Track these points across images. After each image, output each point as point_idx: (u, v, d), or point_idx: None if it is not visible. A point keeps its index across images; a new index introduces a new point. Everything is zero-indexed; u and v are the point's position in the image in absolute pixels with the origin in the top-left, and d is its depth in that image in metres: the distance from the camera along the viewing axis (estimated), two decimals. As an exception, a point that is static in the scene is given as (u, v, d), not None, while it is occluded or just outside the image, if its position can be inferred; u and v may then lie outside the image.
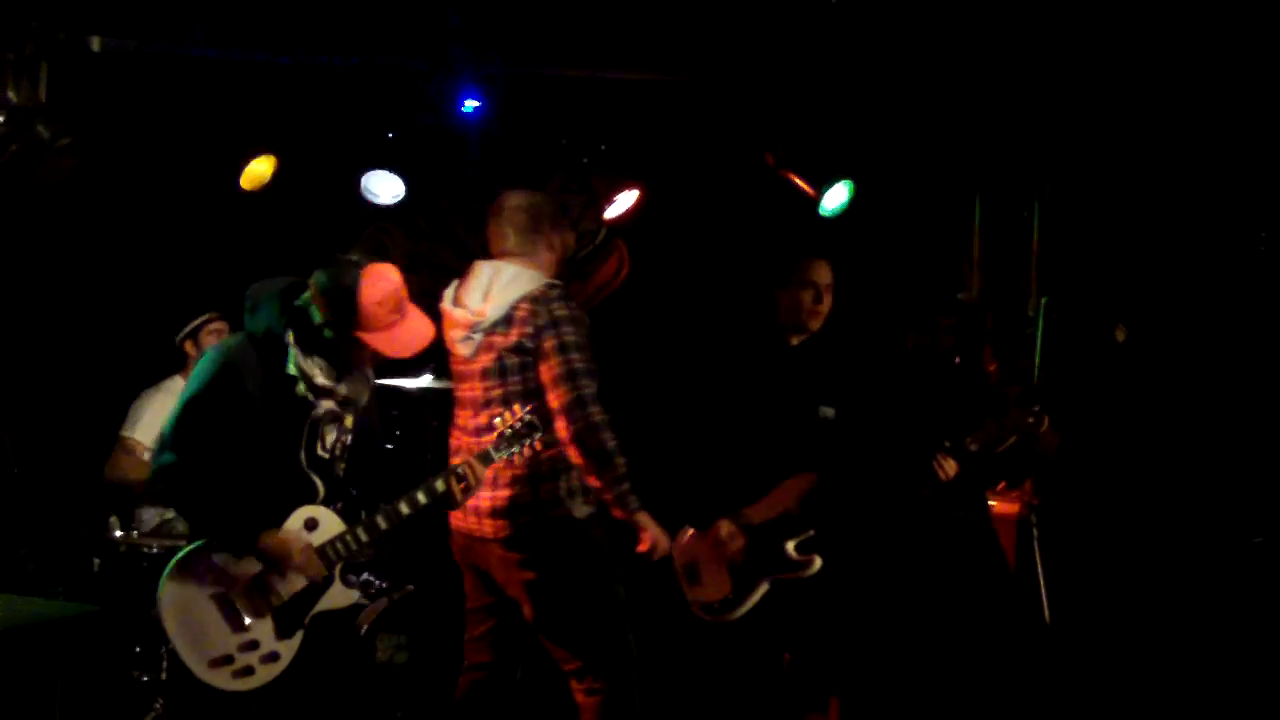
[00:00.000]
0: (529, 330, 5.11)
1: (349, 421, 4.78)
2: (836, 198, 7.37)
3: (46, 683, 4.61)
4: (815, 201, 7.39)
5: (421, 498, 4.80)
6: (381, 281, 4.64)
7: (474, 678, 5.41)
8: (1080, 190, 7.83)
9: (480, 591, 5.39)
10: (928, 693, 6.05)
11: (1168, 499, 6.75)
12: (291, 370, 4.58)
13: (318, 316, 4.61)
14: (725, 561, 5.78)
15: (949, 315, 6.35)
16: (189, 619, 4.44)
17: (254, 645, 4.50)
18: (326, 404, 4.65)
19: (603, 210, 7.65)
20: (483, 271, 5.34)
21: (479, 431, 5.17)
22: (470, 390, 5.27)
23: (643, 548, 5.16)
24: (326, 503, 4.70)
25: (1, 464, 6.94)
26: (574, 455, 5.04)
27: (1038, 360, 7.56)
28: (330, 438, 4.73)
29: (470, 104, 7.53)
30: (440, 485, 4.82)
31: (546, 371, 5.09)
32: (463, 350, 5.24)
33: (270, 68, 7.48)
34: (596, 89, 7.64)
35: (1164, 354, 7.06)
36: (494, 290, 5.21)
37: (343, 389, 4.66)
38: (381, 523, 4.75)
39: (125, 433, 6.79)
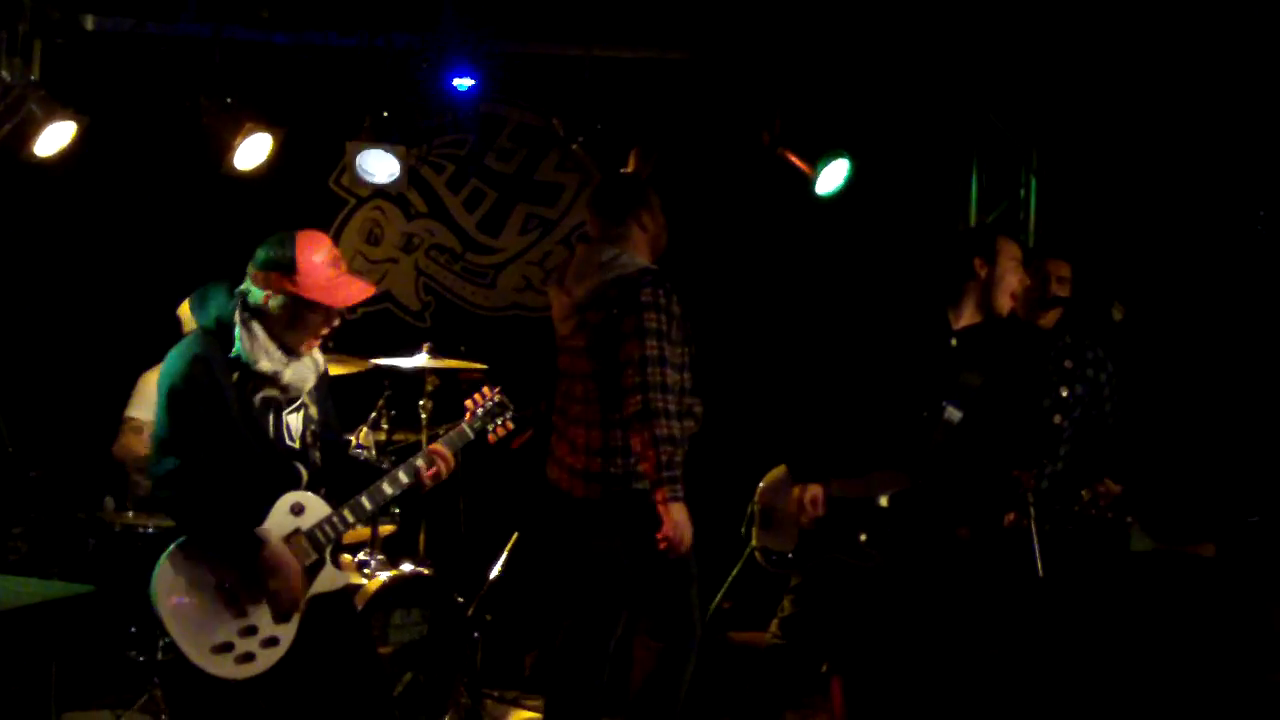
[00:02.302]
0: (615, 311, 5.37)
1: (313, 411, 4.78)
2: (834, 177, 7.35)
3: (42, 664, 4.59)
4: (811, 180, 7.37)
5: (404, 478, 4.83)
6: (317, 240, 4.67)
7: None
8: (1077, 167, 7.80)
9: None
10: (934, 677, 6.04)
11: (1165, 476, 6.73)
12: (234, 353, 4.56)
13: (259, 295, 4.60)
14: (802, 522, 5.80)
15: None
16: (186, 609, 4.42)
17: (253, 630, 4.48)
18: (268, 390, 4.63)
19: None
20: (581, 253, 5.64)
21: (572, 400, 5.50)
22: (568, 365, 5.58)
23: (660, 536, 5.25)
24: (310, 488, 4.69)
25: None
26: (637, 431, 5.28)
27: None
28: (297, 427, 4.73)
29: (463, 81, 7.48)
30: (420, 463, 4.85)
31: (623, 353, 5.34)
32: (563, 328, 5.57)
33: (264, 46, 7.46)
34: (592, 67, 7.62)
35: (1161, 332, 7.04)
36: (590, 271, 5.49)
37: (286, 374, 4.64)
38: (367, 504, 4.76)
39: (130, 413, 6.78)
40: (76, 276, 7.77)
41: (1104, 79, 7.39)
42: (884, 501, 5.68)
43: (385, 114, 7.37)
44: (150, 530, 6.30)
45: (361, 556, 6.50)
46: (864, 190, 7.59)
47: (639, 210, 5.67)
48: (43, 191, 7.40)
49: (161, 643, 6.14)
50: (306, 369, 4.71)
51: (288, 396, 4.67)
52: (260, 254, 4.64)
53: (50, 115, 6.46)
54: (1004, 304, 5.71)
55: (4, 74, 6.29)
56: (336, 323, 4.74)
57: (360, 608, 6.15)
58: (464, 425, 5.07)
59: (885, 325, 6.14)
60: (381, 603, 6.28)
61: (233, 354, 4.55)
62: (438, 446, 4.94)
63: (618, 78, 7.80)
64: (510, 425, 5.10)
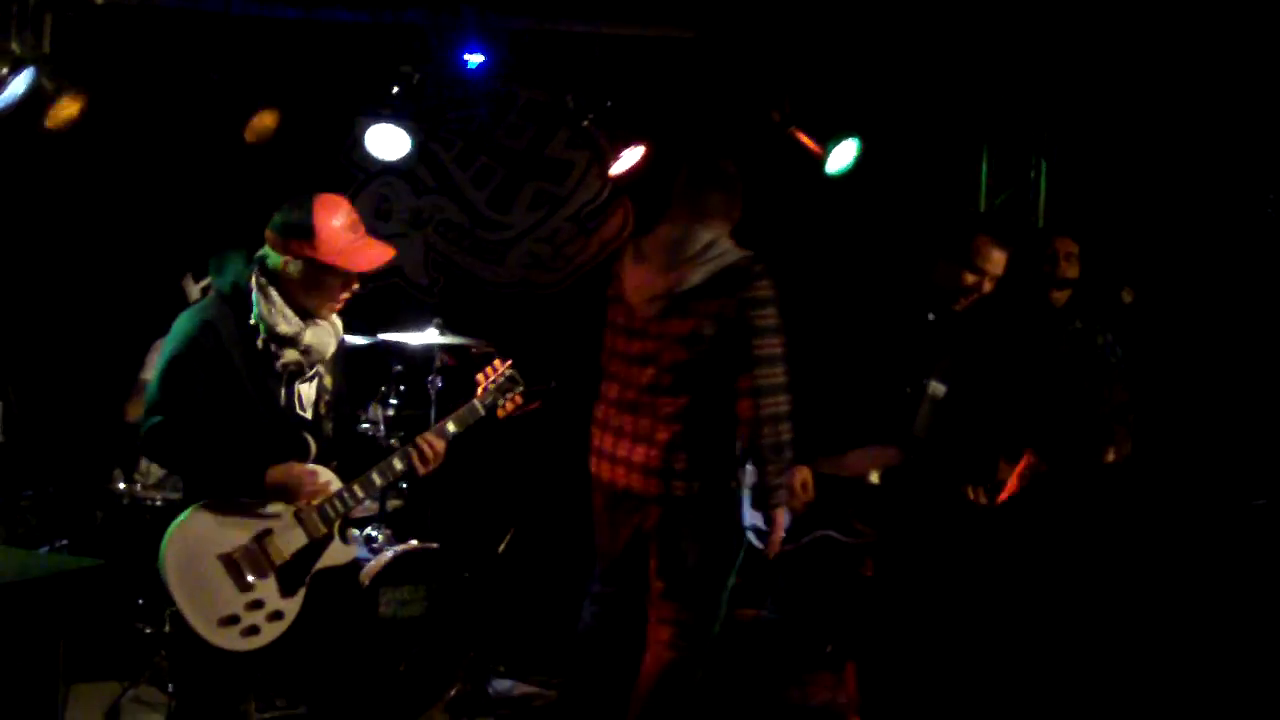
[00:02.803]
0: (732, 303, 5.27)
1: (328, 381, 4.77)
2: (843, 156, 7.34)
3: (50, 637, 4.60)
4: (821, 159, 7.36)
5: (399, 464, 4.83)
6: (336, 205, 4.67)
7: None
8: (1087, 149, 7.79)
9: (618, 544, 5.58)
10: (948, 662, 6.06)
11: (1173, 462, 6.72)
12: (254, 320, 4.56)
13: (278, 260, 4.59)
14: (794, 505, 5.80)
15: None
16: (193, 581, 4.44)
17: (259, 604, 4.50)
18: (290, 354, 4.62)
19: (608, 166, 7.64)
20: (671, 234, 5.47)
21: (636, 387, 5.42)
22: (644, 348, 5.42)
23: (772, 541, 5.42)
24: (320, 461, 4.69)
25: (7, 419, 6.95)
26: (749, 436, 5.29)
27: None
28: (310, 396, 4.72)
29: (474, 58, 7.47)
30: (413, 451, 4.86)
31: (741, 351, 5.28)
32: (649, 309, 5.39)
33: (275, 21, 7.45)
34: (602, 44, 7.61)
35: (1171, 316, 7.03)
36: (690, 254, 5.36)
37: (307, 336, 4.64)
38: (377, 479, 4.76)
39: (146, 375, 6.78)
40: (87, 250, 7.77)
41: (1115, 60, 7.37)
42: (875, 478, 5.72)
43: (395, 89, 7.36)
44: (158, 503, 6.32)
45: (369, 532, 6.52)
46: (873, 171, 7.57)
47: (733, 197, 5.58)
48: (54, 164, 7.39)
49: (168, 615, 6.16)
50: (326, 334, 4.71)
51: (309, 361, 4.65)
52: (278, 218, 4.63)
53: (61, 87, 6.46)
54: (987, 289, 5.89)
55: (14, 47, 6.28)
56: (355, 287, 4.73)
57: (367, 583, 6.18)
58: (475, 401, 5.04)
59: (874, 305, 6.13)
60: (388, 578, 6.30)
61: (251, 319, 4.55)
62: (428, 437, 4.88)
63: (628, 55, 7.80)
64: (520, 400, 5.07)
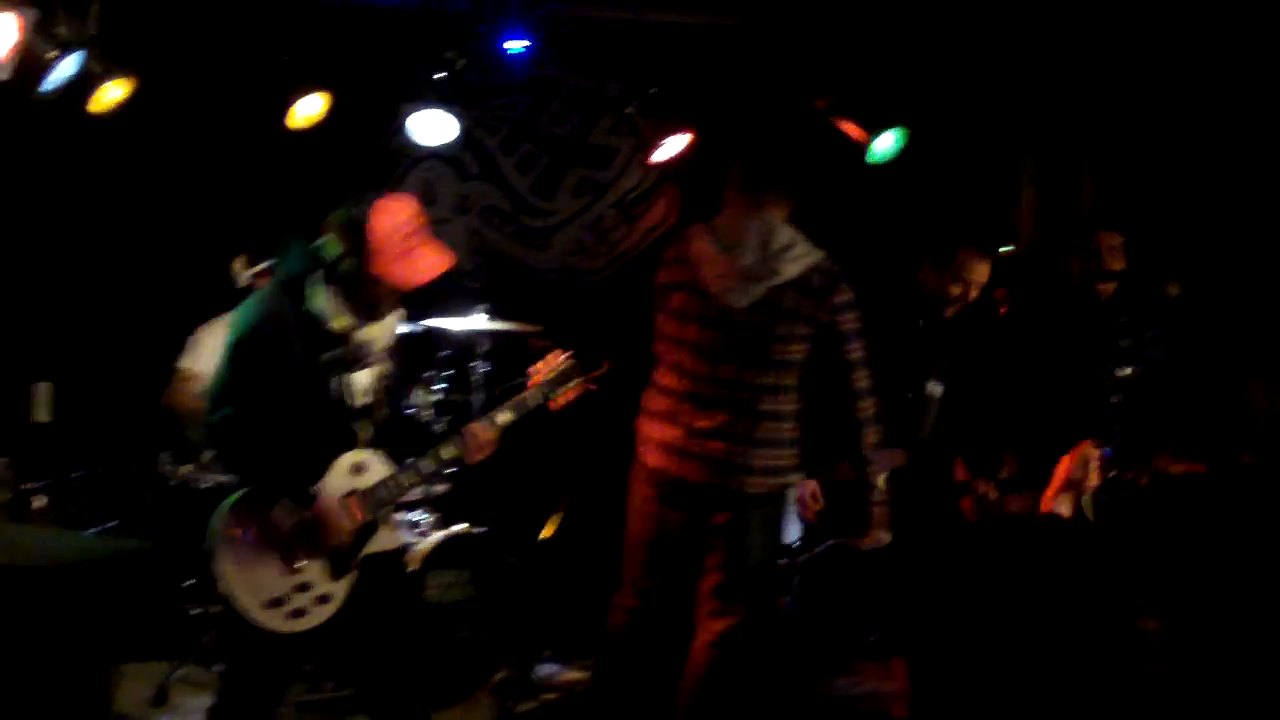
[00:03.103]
0: (825, 305, 5.28)
1: (383, 369, 4.76)
2: (886, 143, 7.32)
3: (102, 618, 4.63)
4: (865, 148, 7.34)
5: (446, 453, 4.77)
6: (392, 212, 4.58)
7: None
8: (1135, 139, 7.74)
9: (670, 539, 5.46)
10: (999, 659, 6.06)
11: (1221, 458, 6.68)
12: (308, 310, 4.55)
13: (334, 254, 4.57)
14: (802, 516, 5.85)
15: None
16: (242, 562, 4.43)
17: (307, 587, 4.49)
18: (343, 347, 4.61)
19: (652, 153, 7.62)
20: (752, 224, 5.35)
21: (726, 384, 5.29)
22: (725, 339, 5.30)
23: (869, 538, 5.51)
24: (369, 448, 4.68)
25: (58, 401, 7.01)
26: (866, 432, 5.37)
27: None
28: (363, 384, 4.70)
29: (518, 44, 7.47)
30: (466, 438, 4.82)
31: (838, 354, 5.33)
32: (736, 300, 5.28)
33: (321, 5, 7.47)
34: (646, 31, 7.59)
35: (1217, 310, 6.98)
36: (778, 248, 5.30)
37: (360, 334, 4.62)
38: (425, 466, 4.74)
39: (183, 364, 6.80)
40: (133, 232, 7.80)
41: (1162, 52, 7.33)
42: (881, 482, 5.67)
43: (439, 75, 7.36)
44: (206, 484, 6.34)
45: (415, 515, 6.53)
46: (916, 164, 7.54)
47: (792, 189, 5.52)
48: (101, 148, 7.42)
49: (216, 595, 6.19)
50: (378, 329, 4.68)
51: (361, 354, 4.64)
52: (341, 214, 4.58)
53: (107, 71, 6.49)
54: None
55: (61, 30, 6.30)
56: (410, 288, 4.70)
57: (414, 567, 6.19)
58: (530, 392, 4.92)
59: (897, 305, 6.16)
60: (435, 562, 6.32)
61: (304, 309, 4.54)
62: (478, 425, 4.80)
63: (672, 42, 7.78)
64: (576, 392, 5.01)
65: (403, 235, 4.57)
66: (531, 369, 4.96)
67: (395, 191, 4.75)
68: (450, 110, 7.39)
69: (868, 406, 5.37)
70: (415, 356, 6.65)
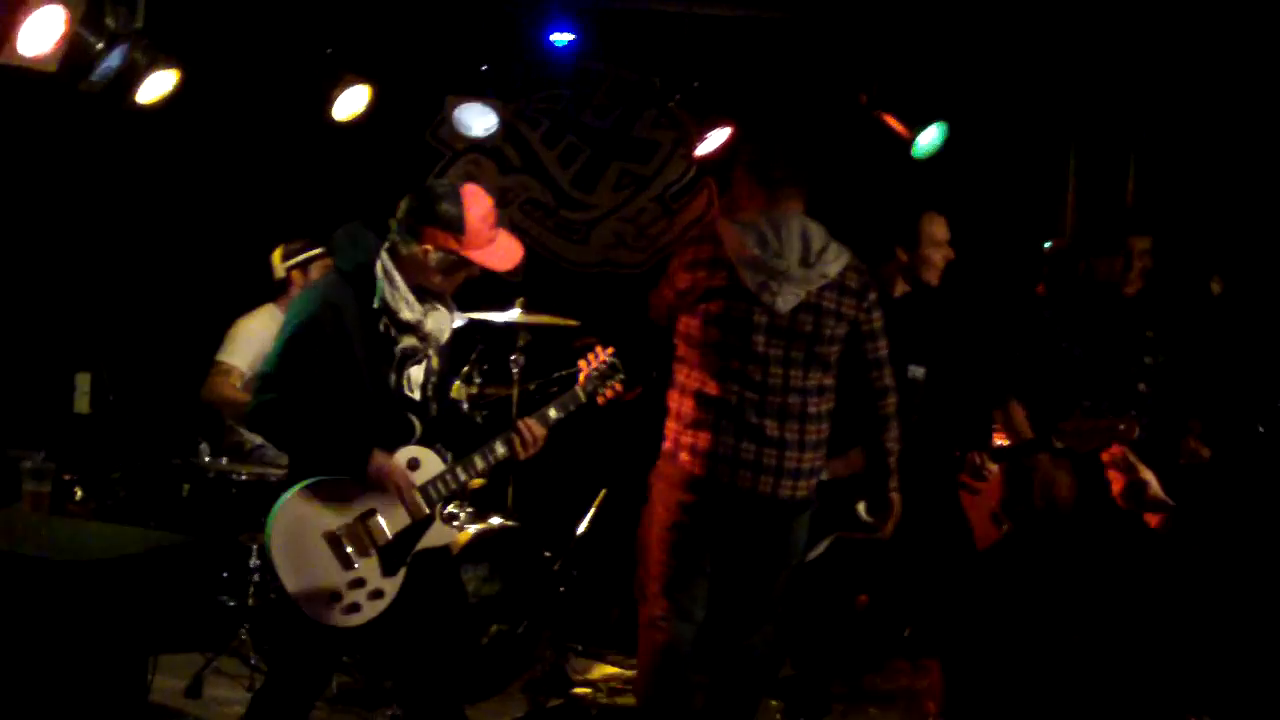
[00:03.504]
0: (862, 304, 5.28)
1: (435, 362, 4.78)
2: (930, 138, 7.29)
3: (142, 611, 4.66)
4: (909, 143, 7.32)
5: (501, 449, 4.79)
6: (480, 198, 4.65)
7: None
8: (1179, 134, 7.69)
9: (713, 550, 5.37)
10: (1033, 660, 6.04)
11: (1265, 457, 6.64)
12: (377, 304, 4.56)
13: (414, 248, 4.59)
14: None
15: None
16: (298, 557, 4.47)
17: (361, 583, 4.52)
18: (408, 340, 4.63)
19: (694, 147, 7.61)
20: (788, 222, 5.24)
21: (772, 390, 5.20)
22: (768, 345, 5.19)
23: (892, 527, 5.50)
24: (424, 442, 4.71)
25: (98, 393, 7.04)
26: (874, 433, 5.40)
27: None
28: (418, 378, 4.73)
29: (562, 37, 7.48)
30: (514, 436, 4.82)
31: (869, 351, 5.32)
32: (779, 304, 5.17)
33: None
34: (691, 24, 7.58)
35: (1261, 307, 6.93)
36: (814, 248, 5.23)
37: (428, 323, 4.65)
38: (479, 463, 4.75)
39: (221, 357, 6.82)
40: (175, 224, 7.84)
41: (1208, 50, 7.28)
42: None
43: (484, 68, 7.37)
44: (244, 477, 6.37)
45: (451, 509, 6.56)
46: (961, 159, 7.52)
47: (810, 188, 5.45)
48: (144, 140, 7.46)
49: (253, 589, 6.24)
50: (444, 319, 4.70)
51: (425, 346, 4.67)
52: (422, 206, 4.60)
53: (153, 63, 6.51)
54: (929, 277, 6.11)
55: (109, 22, 6.32)
56: (501, 271, 4.73)
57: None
58: (577, 388, 4.93)
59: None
60: (469, 556, 6.34)
61: (374, 303, 4.56)
62: (530, 422, 4.81)
63: (716, 36, 7.77)
64: (620, 387, 4.97)
65: (492, 222, 4.65)
66: (579, 364, 4.98)
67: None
68: (493, 103, 7.39)
69: (893, 403, 5.39)
70: (453, 350, 6.68)
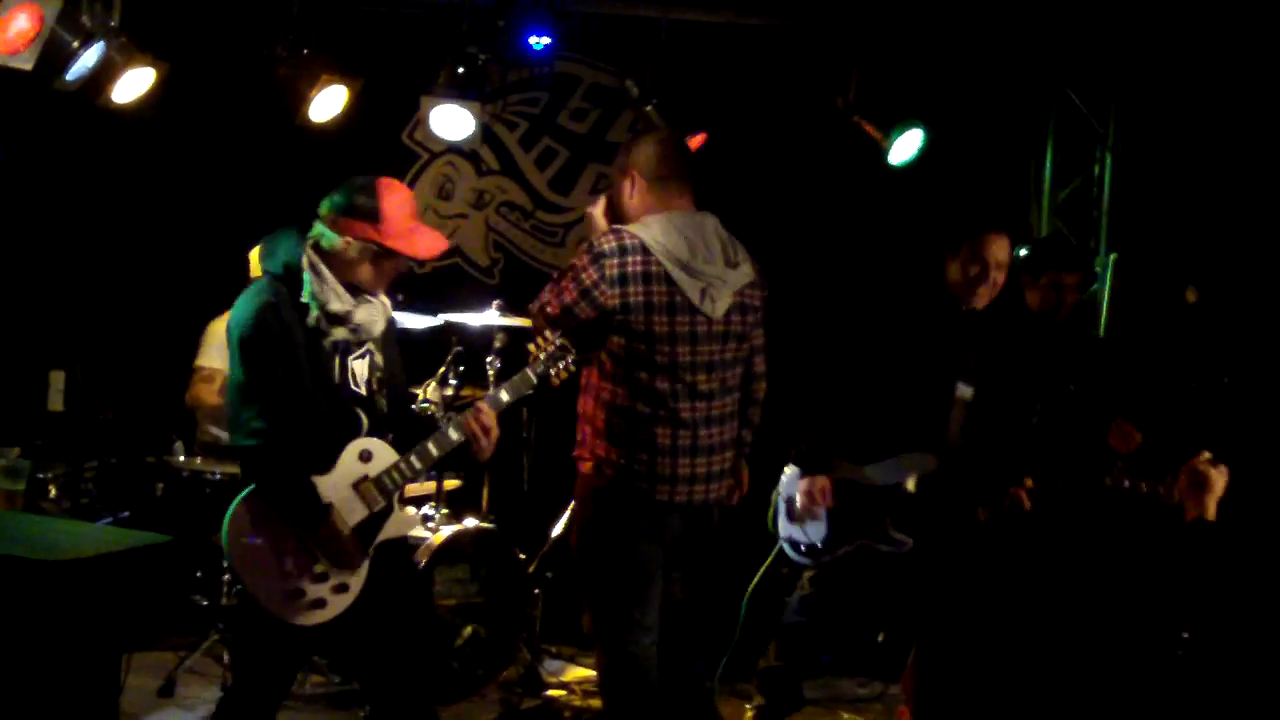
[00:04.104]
0: (763, 293, 5.25)
1: (379, 357, 4.78)
2: (907, 147, 7.31)
3: (116, 610, 4.64)
4: (884, 148, 7.33)
5: (454, 434, 4.76)
6: (397, 188, 4.69)
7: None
8: (1153, 144, 7.73)
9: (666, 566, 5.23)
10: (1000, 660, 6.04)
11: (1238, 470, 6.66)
12: (306, 298, 4.58)
13: (335, 241, 4.61)
14: (804, 512, 5.80)
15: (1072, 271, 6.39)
16: (258, 556, 4.46)
17: (324, 577, 4.52)
18: (340, 332, 4.63)
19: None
20: (704, 225, 5.12)
21: (709, 395, 5.08)
22: (707, 353, 5.06)
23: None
24: (374, 434, 4.70)
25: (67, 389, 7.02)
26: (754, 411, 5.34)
27: (1104, 320, 7.50)
28: (362, 373, 4.74)
29: (539, 40, 7.47)
30: (468, 418, 4.79)
31: (757, 336, 5.27)
32: (717, 309, 5.06)
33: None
34: (668, 29, 7.59)
35: (1236, 318, 6.97)
36: (728, 246, 5.14)
37: (358, 315, 4.65)
38: (433, 449, 4.74)
39: (200, 362, 6.81)
40: (150, 223, 7.82)
41: (1183, 55, 7.31)
42: (911, 485, 5.64)
43: (460, 70, 7.36)
44: (217, 476, 6.37)
45: (426, 511, 6.55)
46: (937, 162, 7.53)
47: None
48: (119, 139, 7.44)
49: (226, 588, 6.22)
50: (375, 311, 4.71)
51: (358, 339, 4.67)
52: (339, 200, 4.63)
53: (130, 61, 6.49)
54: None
55: (85, 20, 6.30)
56: (405, 269, 4.75)
57: (424, 561, 6.21)
58: (527, 370, 4.87)
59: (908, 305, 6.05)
60: (443, 558, 6.34)
61: (303, 298, 4.58)
62: (480, 405, 4.76)
63: (693, 41, 7.78)
64: (573, 368, 4.95)
65: (410, 211, 4.68)
66: (529, 346, 4.92)
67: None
68: (470, 105, 7.39)
69: (764, 389, 5.38)
70: (429, 351, 6.68)
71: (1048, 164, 8.17)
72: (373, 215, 4.60)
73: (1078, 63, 7.70)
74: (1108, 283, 7.65)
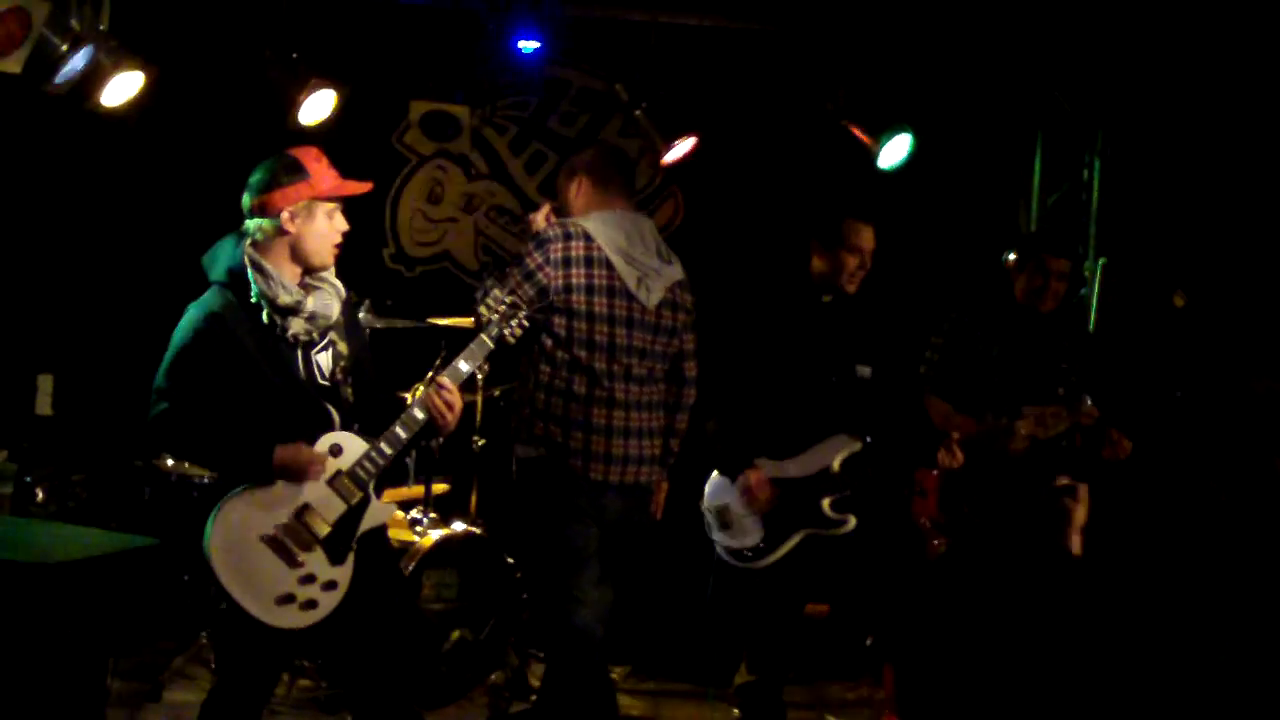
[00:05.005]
0: (691, 298, 5.62)
1: (343, 347, 4.75)
2: (896, 151, 7.32)
3: (103, 613, 4.64)
4: (873, 152, 7.34)
5: (419, 413, 4.69)
6: (307, 148, 4.72)
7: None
8: (1142, 149, 7.73)
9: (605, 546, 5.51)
10: (982, 663, 6.06)
11: (1221, 473, 6.68)
12: (254, 298, 4.56)
13: (269, 223, 4.59)
14: (756, 510, 5.83)
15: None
16: (242, 567, 4.44)
17: (311, 578, 4.50)
18: (297, 324, 4.61)
19: (661, 155, 7.61)
20: (641, 223, 5.60)
21: (641, 380, 5.47)
22: (640, 340, 5.45)
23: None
24: (343, 427, 4.68)
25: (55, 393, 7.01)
26: (673, 420, 5.61)
27: (1092, 324, 7.50)
28: (327, 365, 4.71)
29: (529, 44, 7.48)
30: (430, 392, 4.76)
31: (688, 341, 5.63)
32: (651, 299, 5.46)
33: (331, 1, 7.48)
34: (657, 33, 7.59)
35: (1224, 322, 6.98)
36: (661, 246, 5.58)
37: (309, 304, 4.63)
38: (401, 432, 4.69)
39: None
40: (139, 227, 7.81)
41: (1172, 60, 7.32)
42: (837, 466, 5.86)
43: (450, 74, 7.36)
44: (205, 480, 6.36)
45: (414, 514, 6.55)
46: (925, 166, 7.54)
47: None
48: (108, 142, 7.44)
49: (214, 592, 6.19)
50: (329, 297, 4.66)
51: (317, 328, 4.65)
52: (259, 180, 4.64)
53: (119, 65, 6.47)
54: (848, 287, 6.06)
55: (74, 23, 6.30)
56: (345, 229, 4.70)
57: (412, 565, 6.21)
58: (482, 335, 4.82)
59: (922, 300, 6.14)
60: (431, 561, 6.33)
61: (252, 298, 4.56)
62: (440, 378, 4.73)
63: (683, 45, 7.79)
64: (526, 324, 4.88)
65: (327, 163, 4.70)
66: (480, 309, 4.90)
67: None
68: (459, 109, 7.39)
69: (693, 394, 5.68)
70: (418, 354, 6.67)
71: (1036, 169, 8.19)
72: (299, 171, 4.61)
73: (1066, 68, 7.70)
74: (1096, 288, 7.65)
